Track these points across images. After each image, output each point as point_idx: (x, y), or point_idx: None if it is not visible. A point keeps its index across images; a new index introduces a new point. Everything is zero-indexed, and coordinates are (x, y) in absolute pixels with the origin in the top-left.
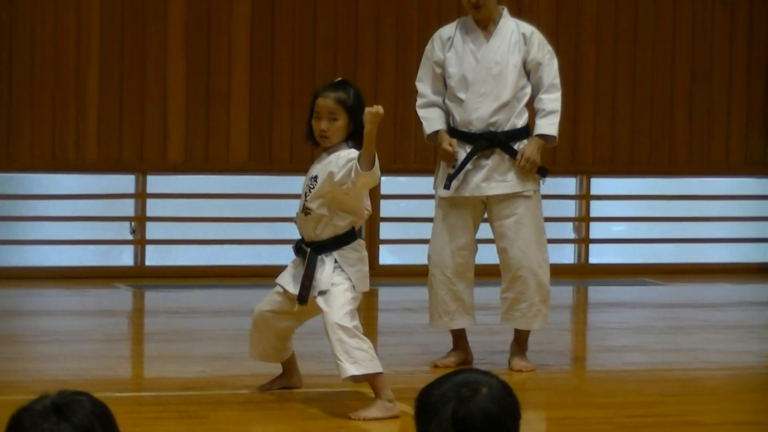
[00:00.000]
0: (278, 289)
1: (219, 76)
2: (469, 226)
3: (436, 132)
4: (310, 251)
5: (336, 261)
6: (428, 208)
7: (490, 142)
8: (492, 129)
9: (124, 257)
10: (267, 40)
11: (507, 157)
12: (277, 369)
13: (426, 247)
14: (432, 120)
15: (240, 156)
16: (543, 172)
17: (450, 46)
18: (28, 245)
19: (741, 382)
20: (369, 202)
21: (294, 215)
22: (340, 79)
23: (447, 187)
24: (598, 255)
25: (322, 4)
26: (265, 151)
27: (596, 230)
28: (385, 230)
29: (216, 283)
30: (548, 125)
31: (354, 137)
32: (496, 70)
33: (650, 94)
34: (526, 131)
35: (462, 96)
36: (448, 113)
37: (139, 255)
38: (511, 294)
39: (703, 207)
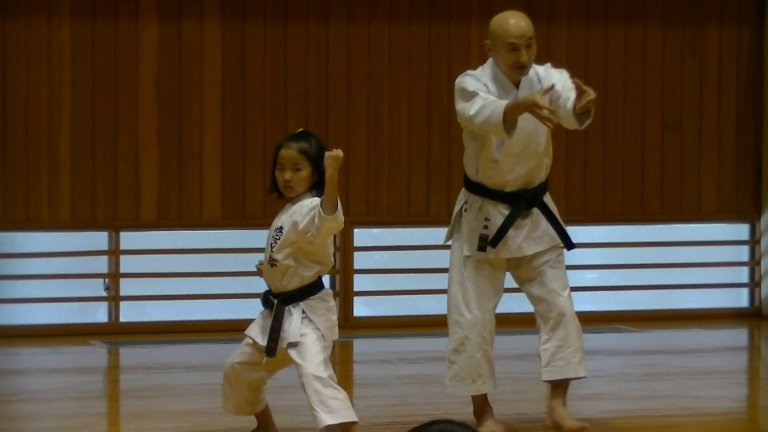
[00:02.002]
0: (248, 340)
1: (191, 135)
2: (500, 288)
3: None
4: (277, 303)
5: (303, 311)
6: (402, 259)
7: (530, 203)
8: (525, 187)
9: (99, 314)
10: (238, 98)
11: (539, 213)
12: (253, 423)
13: (403, 298)
14: (493, 102)
15: (213, 212)
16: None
17: (488, 92)
18: (1, 304)
19: (718, 428)
20: (332, 249)
21: (254, 267)
22: (301, 129)
23: (482, 249)
24: (573, 303)
25: (293, 62)
26: (238, 206)
27: (570, 278)
28: (359, 282)
29: (191, 339)
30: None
31: (318, 187)
32: (529, 127)
33: (621, 143)
34: (546, 184)
35: (495, 156)
36: (475, 170)
37: (114, 312)
38: (554, 342)
39: (677, 253)
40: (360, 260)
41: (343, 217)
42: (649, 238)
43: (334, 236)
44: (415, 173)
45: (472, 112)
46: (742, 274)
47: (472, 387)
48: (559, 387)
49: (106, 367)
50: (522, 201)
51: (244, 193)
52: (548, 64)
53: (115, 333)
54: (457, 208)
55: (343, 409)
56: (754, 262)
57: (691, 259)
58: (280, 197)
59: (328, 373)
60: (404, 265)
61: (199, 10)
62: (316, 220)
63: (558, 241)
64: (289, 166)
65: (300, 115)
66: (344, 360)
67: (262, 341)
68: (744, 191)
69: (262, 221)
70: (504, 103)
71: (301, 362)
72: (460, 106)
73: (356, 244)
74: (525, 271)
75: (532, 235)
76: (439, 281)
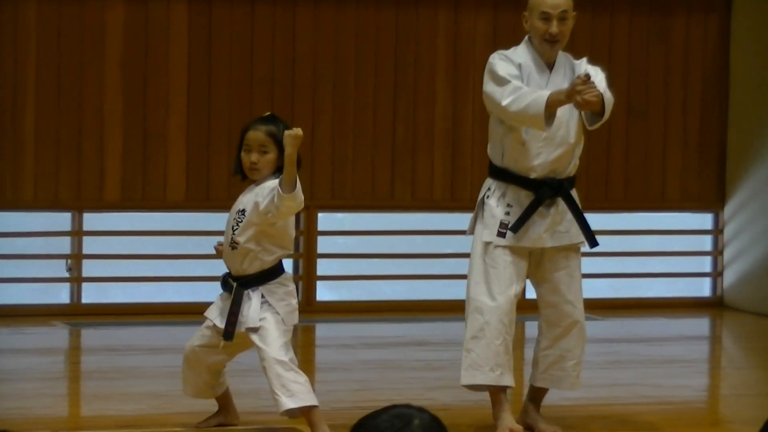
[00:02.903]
0: (208, 323)
1: (156, 116)
2: (523, 276)
3: (546, 97)
4: (236, 286)
5: (263, 296)
6: (365, 244)
7: (555, 191)
8: (551, 176)
9: (61, 295)
10: (204, 80)
11: (564, 206)
12: (215, 406)
13: (366, 283)
14: (532, 92)
15: (177, 194)
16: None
17: (520, 74)
18: None
19: (678, 417)
20: (294, 233)
21: (213, 250)
22: (269, 113)
23: (502, 235)
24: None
25: (259, 44)
26: (202, 189)
27: None
28: (323, 266)
29: (154, 321)
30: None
31: (282, 170)
32: (561, 112)
33: (586, 130)
34: (574, 180)
35: (523, 138)
36: (501, 154)
37: (76, 293)
38: (556, 351)
39: (640, 242)
40: (324, 245)
41: (302, 197)
42: (612, 227)
43: (297, 220)
44: (380, 157)
45: (506, 102)
46: (705, 264)
47: (489, 375)
48: (542, 391)
49: (67, 348)
50: (547, 188)
51: (209, 176)
52: (585, 59)
53: (77, 314)
54: (480, 196)
55: (304, 393)
56: (717, 252)
57: (655, 248)
58: (244, 179)
59: (290, 357)
60: (368, 249)
61: None
62: (276, 199)
63: (579, 239)
64: (256, 148)
65: (266, 98)
66: (306, 344)
67: (221, 324)
68: (708, 181)
69: (226, 204)
70: (545, 93)
71: (263, 346)
72: (491, 88)
73: (320, 228)
74: (543, 273)
75: (554, 228)
76: (403, 266)
